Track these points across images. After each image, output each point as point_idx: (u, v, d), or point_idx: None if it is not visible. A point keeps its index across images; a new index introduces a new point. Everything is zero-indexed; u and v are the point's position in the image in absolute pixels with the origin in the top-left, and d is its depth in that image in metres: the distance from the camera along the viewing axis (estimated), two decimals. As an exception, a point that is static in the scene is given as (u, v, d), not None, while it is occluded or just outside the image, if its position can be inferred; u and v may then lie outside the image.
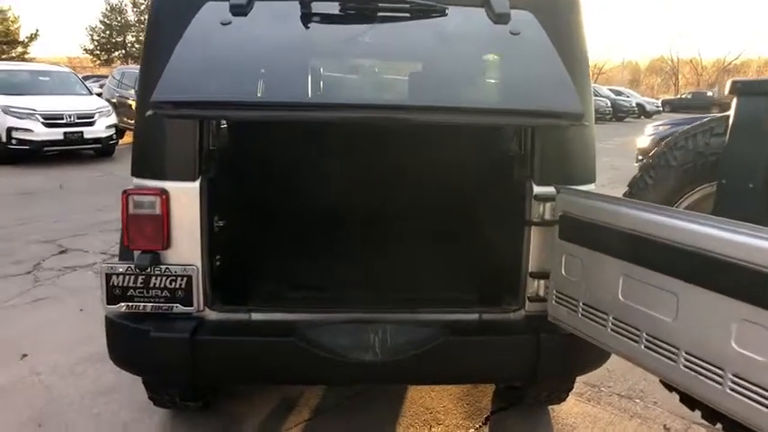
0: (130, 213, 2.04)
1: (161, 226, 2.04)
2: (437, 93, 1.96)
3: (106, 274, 2.08)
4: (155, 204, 2.04)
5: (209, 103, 1.71)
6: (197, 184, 2.07)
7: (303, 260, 2.84)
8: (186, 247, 2.08)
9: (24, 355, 3.47)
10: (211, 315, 2.14)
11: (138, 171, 2.12)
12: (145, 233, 2.05)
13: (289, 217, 3.20)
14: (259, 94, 1.87)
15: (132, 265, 2.06)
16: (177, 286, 2.08)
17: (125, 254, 2.13)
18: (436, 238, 3.09)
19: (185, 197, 2.06)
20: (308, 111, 1.80)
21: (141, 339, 2.03)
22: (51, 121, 10.03)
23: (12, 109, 9.91)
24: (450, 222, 3.17)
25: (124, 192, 2.06)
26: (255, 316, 2.16)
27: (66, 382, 3.16)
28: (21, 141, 9.87)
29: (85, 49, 43.39)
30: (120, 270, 2.08)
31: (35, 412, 2.88)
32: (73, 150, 10.64)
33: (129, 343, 2.13)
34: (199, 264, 2.09)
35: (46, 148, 10.14)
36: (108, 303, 2.10)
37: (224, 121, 2.63)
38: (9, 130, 9.79)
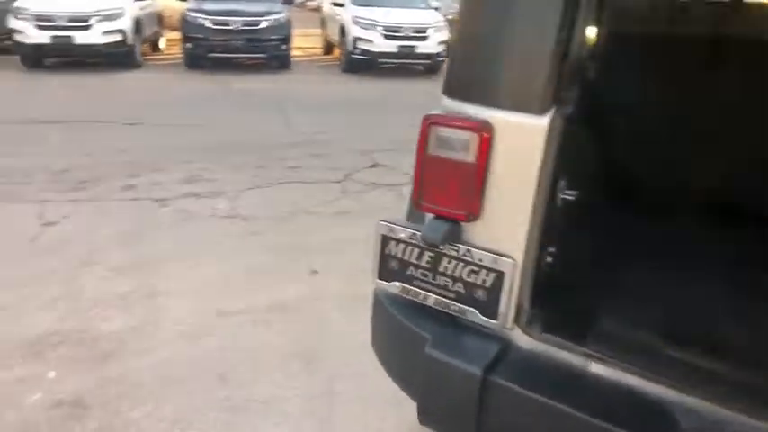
0: (429, 154, 1.27)
1: (473, 181, 1.23)
2: None
3: (382, 236, 1.40)
4: (468, 145, 1.21)
5: None
6: (546, 120, 1.16)
7: (703, 289, 1.55)
8: (505, 222, 1.23)
9: (314, 272, 3.31)
10: (522, 340, 1.29)
11: (450, 87, 1.30)
12: (445, 188, 1.26)
13: (692, 205, 1.86)
14: None
15: (418, 233, 1.32)
16: (480, 282, 1.27)
17: (413, 213, 1.40)
18: None
19: (522, 139, 1.18)
20: None
21: (411, 347, 1.32)
22: (390, 33, 10.30)
23: (358, 19, 10.45)
24: None
25: (426, 118, 1.28)
26: (597, 369, 1.22)
27: (344, 316, 2.85)
28: (363, 51, 10.41)
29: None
30: (402, 236, 1.36)
31: (302, 347, 2.61)
32: (403, 64, 10.89)
33: (394, 342, 1.45)
34: (520, 254, 1.23)
35: (381, 60, 10.53)
36: (379, 277, 1.44)
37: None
38: (355, 39, 10.39)
